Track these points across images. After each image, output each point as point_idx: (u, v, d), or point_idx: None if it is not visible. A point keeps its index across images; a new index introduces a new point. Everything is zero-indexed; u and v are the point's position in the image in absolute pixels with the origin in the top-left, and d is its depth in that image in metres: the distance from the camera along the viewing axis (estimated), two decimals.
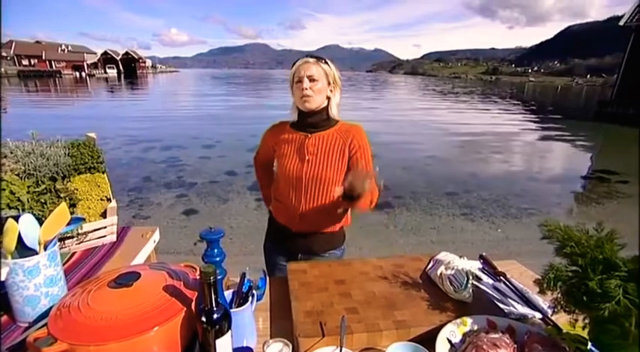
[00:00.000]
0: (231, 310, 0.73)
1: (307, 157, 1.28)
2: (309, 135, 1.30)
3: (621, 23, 13.63)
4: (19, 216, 0.87)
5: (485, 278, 1.15)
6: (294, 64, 1.29)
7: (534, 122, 14.04)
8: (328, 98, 1.30)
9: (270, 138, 1.41)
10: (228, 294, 0.85)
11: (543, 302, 1.01)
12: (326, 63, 1.27)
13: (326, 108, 1.30)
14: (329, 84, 1.28)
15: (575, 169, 7.08)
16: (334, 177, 1.28)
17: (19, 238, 0.85)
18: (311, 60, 1.25)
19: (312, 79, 1.23)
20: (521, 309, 0.98)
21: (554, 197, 5.20)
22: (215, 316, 0.65)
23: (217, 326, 0.65)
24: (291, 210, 1.34)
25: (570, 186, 5.86)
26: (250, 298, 0.83)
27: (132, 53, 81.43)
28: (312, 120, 1.30)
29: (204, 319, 0.64)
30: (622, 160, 7.48)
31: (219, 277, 0.65)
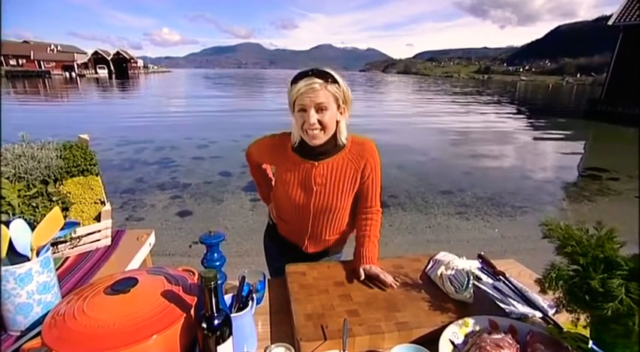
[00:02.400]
0: (232, 315, 0.71)
1: (315, 188, 1.17)
2: (316, 164, 1.15)
3: (610, 23, 13.83)
4: (9, 221, 0.84)
5: (484, 277, 1.15)
6: (293, 81, 1.05)
7: (526, 120, 14.20)
8: (337, 121, 1.11)
9: (268, 157, 1.31)
10: (227, 298, 0.83)
11: (543, 300, 1.01)
12: (334, 82, 1.05)
13: (334, 134, 1.13)
14: (338, 107, 1.09)
15: (567, 167, 7.16)
16: (344, 205, 1.21)
17: (10, 244, 0.82)
18: (317, 85, 1.02)
19: (320, 109, 1.04)
20: (522, 308, 0.98)
21: (547, 195, 5.25)
22: (216, 322, 0.63)
23: (218, 332, 0.64)
24: (297, 233, 1.30)
25: (562, 184, 5.93)
26: (250, 302, 0.82)
27: (123, 53, 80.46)
28: (319, 150, 1.14)
29: (204, 325, 0.63)
30: (612, 158, 7.60)
31: (219, 282, 0.64)
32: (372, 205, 1.23)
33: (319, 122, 1.05)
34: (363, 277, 1.08)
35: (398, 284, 1.06)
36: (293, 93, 1.06)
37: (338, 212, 1.22)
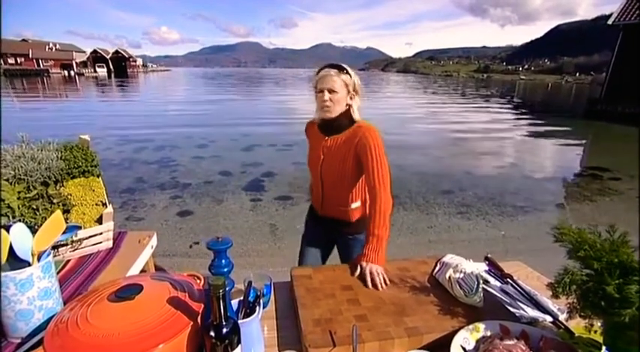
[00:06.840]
0: (239, 321, 0.70)
1: (322, 157, 1.47)
2: (327, 138, 1.46)
3: (609, 22, 13.81)
4: (9, 225, 0.82)
5: (492, 280, 1.13)
6: (318, 71, 1.40)
7: (526, 120, 14.19)
8: (349, 105, 1.41)
9: (309, 135, 1.61)
10: (234, 304, 0.81)
11: (553, 304, 0.99)
12: (347, 73, 1.36)
13: (345, 114, 1.41)
14: (348, 92, 1.39)
15: (568, 166, 7.16)
16: (345, 173, 1.43)
17: (11, 249, 0.80)
18: (333, 72, 1.34)
19: (331, 91, 1.35)
20: (532, 312, 0.97)
21: (547, 194, 5.24)
22: (224, 330, 0.61)
23: (227, 341, 0.62)
24: (316, 197, 1.59)
25: (563, 184, 5.92)
26: (257, 307, 0.80)
27: (122, 52, 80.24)
28: (332, 125, 1.44)
29: (213, 334, 0.61)
30: (613, 157, 7.60)
31: (227, 288, 0.62)
32: (373, 184, 1.34)
33: (330, 100, 1.36)
34: (357, 273, 1.15)
35: (384, 287, 1.08)
36: (316, 78, 1.39)
37: (341, 180, 1.45)
